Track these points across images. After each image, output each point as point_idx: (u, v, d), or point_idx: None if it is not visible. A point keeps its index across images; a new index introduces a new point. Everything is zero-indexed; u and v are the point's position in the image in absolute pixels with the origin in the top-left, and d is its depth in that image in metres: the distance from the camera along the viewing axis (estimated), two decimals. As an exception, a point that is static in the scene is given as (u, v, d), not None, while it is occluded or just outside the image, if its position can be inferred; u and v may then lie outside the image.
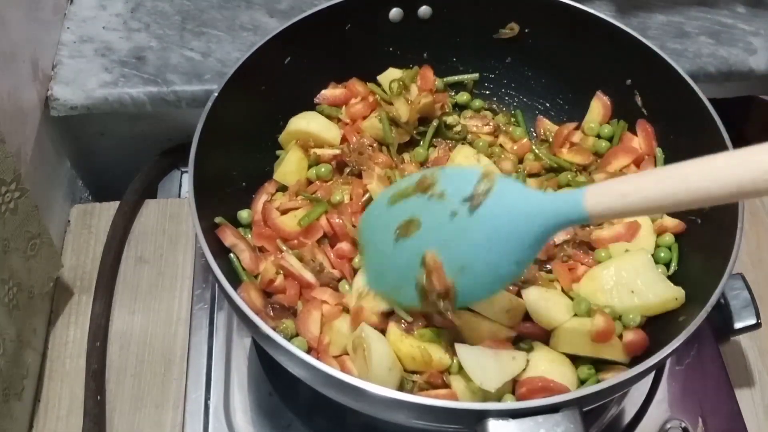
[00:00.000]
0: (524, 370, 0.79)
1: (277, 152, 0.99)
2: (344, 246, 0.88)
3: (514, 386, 0.79)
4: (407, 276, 0.75)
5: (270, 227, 0.91)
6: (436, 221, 0.73)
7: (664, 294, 0.82)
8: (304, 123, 0.97)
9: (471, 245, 0.71)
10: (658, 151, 0.95)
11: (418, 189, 0.75)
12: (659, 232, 0.90)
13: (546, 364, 0.79)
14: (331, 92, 1.02)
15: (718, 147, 0.84)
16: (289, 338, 0.82)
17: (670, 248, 0.89)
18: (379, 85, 1.03)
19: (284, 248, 0.89)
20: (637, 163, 0.96)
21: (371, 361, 0.76)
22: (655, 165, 0.95)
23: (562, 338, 0.82)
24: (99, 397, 0.95)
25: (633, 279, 0.83)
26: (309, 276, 0.86)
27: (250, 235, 0.91)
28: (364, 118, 0.99)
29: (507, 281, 0.74)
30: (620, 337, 0.82)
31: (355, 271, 0.88)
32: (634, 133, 0.98)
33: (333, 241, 0.90)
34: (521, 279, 0.84)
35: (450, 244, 0.72)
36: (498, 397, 0.77)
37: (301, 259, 0.87)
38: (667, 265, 0.88)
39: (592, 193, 0.65)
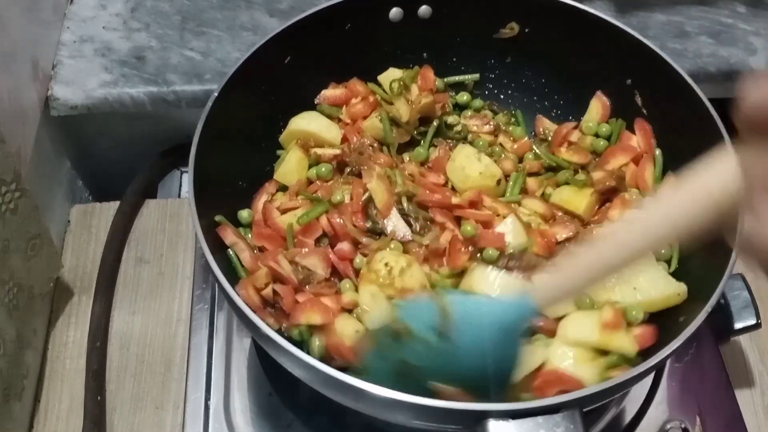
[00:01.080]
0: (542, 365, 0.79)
1: (278, 152, 0.99)
2: (345, 246, 0.88)
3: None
4: None
5: (270, 227, 0.91)
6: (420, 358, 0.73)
7: (666, 290, 0.82)
8: (305, 123, 0.97)
9: (460, 367, 0.72)
10: (657, 152, 0.95)
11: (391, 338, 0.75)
12: None
13: (562, 359, 0.79)
14: (331, 92, 1.02)
15: (718, 147, 0.84)
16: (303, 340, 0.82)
17: (670, 245, 0.89)
18: (379, 85, 1.03)
19: (290, 246, 0.88)
20: (636, 161, 0.96)
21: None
22: (654, 165, 0.95)
23: (570, 326, 0.82)
24: (99, 398, 0.95)
25: (635, 276, 0.83)
26: (295, 281, 0.85)
27: (250, 235, 0.91)
28: (365, 117, 0.99)
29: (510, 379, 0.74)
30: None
31: (356, 271, 0.88)
32: (633, 132, 0.98)
33: (333, 242, 0.90)
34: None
35: (443, 371, 0.73)
36: (517, 394, 0.77)
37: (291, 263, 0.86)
38: (668, 263, 0.88)
39: (537, 293, 0.70)
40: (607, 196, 0.95)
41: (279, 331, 0.78)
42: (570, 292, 0.71)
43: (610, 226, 0.66)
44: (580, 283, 0.68)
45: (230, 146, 0.91)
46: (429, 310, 0.73)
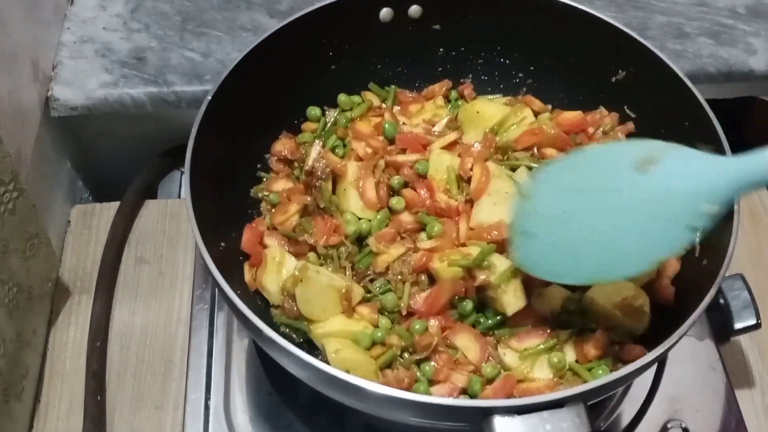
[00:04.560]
0: None
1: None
2: None
3: None
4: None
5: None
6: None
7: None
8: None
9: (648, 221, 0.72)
10: None
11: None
12: None
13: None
14: (281, 145, 0.97)
15: (715, 148, 0.84)
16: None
17: None
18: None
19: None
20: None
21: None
22: None
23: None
24: (99, 398, 0.95)
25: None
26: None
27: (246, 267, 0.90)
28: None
29: (678, 249, 0.75)
30: None
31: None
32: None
33: None
34: None
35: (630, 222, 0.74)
36: None
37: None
38: None
39: None
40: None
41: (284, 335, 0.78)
42: None
43: None
44: None
45: (228, 146, 0.91)
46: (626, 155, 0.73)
